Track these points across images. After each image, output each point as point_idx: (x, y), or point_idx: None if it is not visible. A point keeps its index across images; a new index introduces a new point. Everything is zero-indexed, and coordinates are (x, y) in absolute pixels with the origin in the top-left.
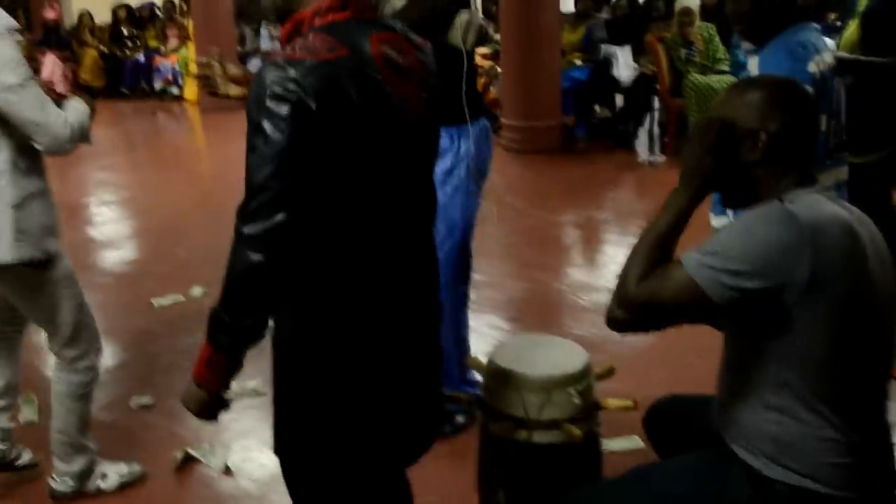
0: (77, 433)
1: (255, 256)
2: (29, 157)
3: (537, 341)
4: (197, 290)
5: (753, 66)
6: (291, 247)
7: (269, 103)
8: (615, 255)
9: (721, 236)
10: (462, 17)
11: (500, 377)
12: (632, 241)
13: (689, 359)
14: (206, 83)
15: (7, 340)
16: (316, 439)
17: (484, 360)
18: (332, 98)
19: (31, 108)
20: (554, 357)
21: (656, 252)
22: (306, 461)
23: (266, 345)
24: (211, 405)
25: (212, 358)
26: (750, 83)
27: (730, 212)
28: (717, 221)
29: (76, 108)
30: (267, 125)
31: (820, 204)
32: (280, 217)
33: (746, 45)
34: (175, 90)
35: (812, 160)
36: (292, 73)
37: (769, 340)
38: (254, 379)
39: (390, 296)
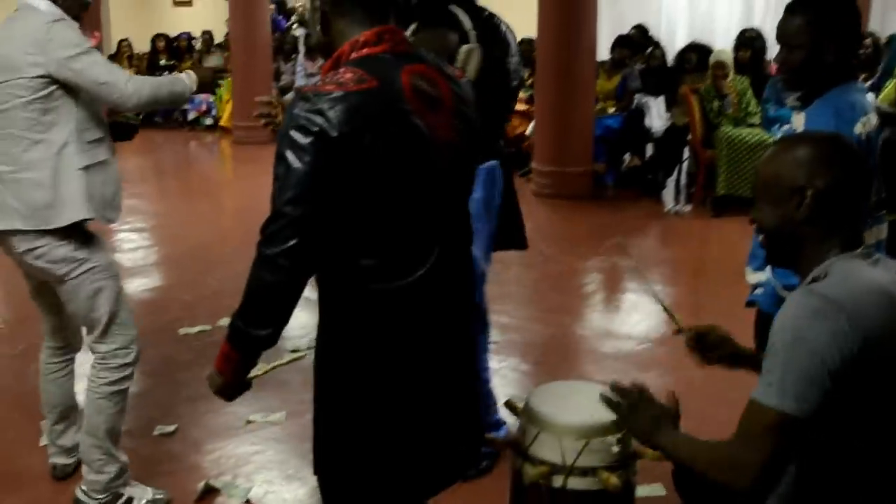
0: (105, 437)
1: (270, 277)
2: (94, 130)
3: (577, 387)
4: (224, 321)
5: (799, 122)
6: (308, 268)
7: (293, 133)
8: (638, 302)
9: (775, 355)
10: (463, 49)
11: (537, 421)
12: (656, 289)
13: (712, 409)
14: (269, 121)
15: (67, 354)
16: (353, 461)
17: (519, 402)
18: (357, 128)
19: (95, 70)
20: (593, 403)
21: (709, 449)
22: (344, 482)
23: (290, 377)
24: (228, 389)
25: (229, 354)
26: (798, 138)
27: (768, 269)
28: (753, 277)
29: (159, 79)
30: (289, 154)
31: (857, 273)
32: (294, 242)
33: (791, 101)
34: (208, 121)
35: (861, 220)
36: (318, 104)
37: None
38: (278, 412)
39: (423, 320)
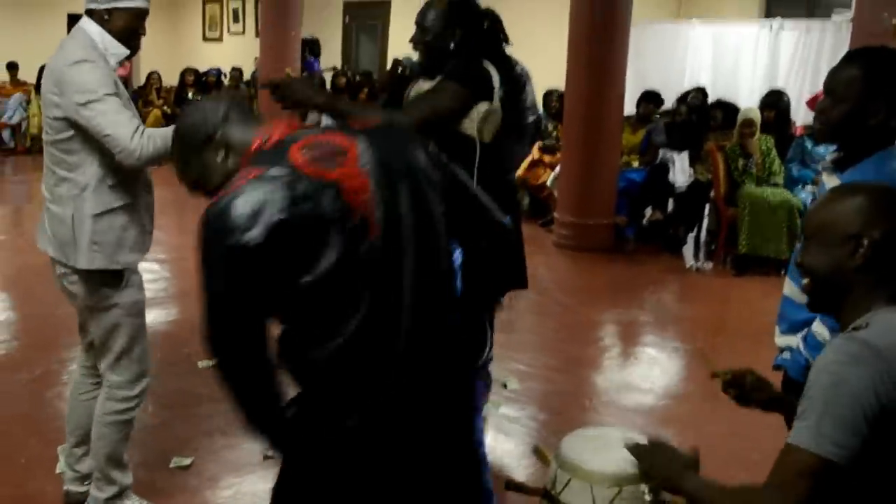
0: (106, 462)
1: (225, 382)
2: (118, 173)
3: (609, 433)
4: None
5: (833, 185)
6: (258, 369)
7: (203, 253)
8: (657, 356)
9: (812, 399)
10: (480, 108)
11: (569, 467)
12: (673, 344)
13: (733, 470)
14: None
15: (98, 378)
16: None
17: (549, 452)
18: (259, 215)
19: (100, 120)
20: (625, 451)
21: (739, 493)
22: None
23: None
24: None
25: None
26: (854, 187)
27: (798, 334)
28: (781, 339)
29: (165, 132)
30: (204, 275)
31: None
32: (228, 354)
33: (825, 163)
34: None
35: None
36: (214, 212)
37: None
38: None
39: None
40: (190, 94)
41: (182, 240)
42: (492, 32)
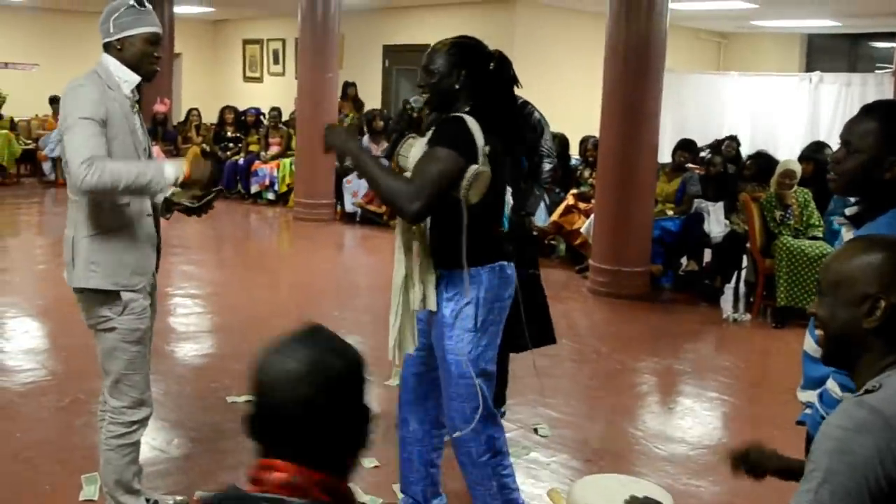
0: (114, 486)
1: None
2: (103, 198)
3: (621, 480)
4: None
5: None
6: None
7: None
8: (692, 406)
9: (815, 464)
10: (470, 170)
11: None
12: (710, 395)
13: None
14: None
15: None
16: None
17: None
18: None
19: (67, 144)
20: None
21: None
22: None
23: None
24: None
25: None
26: (873, 242)
27: (815, 392)
28: (802, 395)
29: (127, 169)
30: None
31: None
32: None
33: (840, 219)
34: (270, 195)
35: None
36: None
37: None
38: None
39: None
40: (229, 132)
41: (219, 275)
42: (498, 74)
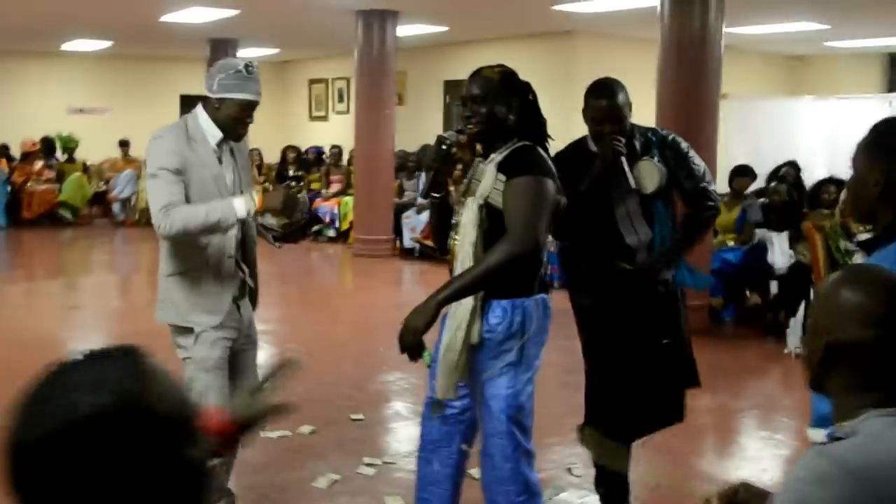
0: None
1: None
2: (182, 242)
3: None
4: (305, 428)
5: None
6: None
7: None
8: (747, 447)
9: None
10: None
11: None
12: (769, 435)
13: None
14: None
15: None
16: None
17: None
18: None
19: (150, 193)
20: None
21: None
22: None
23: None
24: None
25: None
26: (847, 279)
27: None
28: (810, 432)
29: (195, 212)
30: None
31: (890, 437)
32: None
33: (850, 245)
34: (331, 233)
35: None
36: None
37: None
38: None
39: None
40: (290, 171)
41: (275, 313)
42: (536, 104)
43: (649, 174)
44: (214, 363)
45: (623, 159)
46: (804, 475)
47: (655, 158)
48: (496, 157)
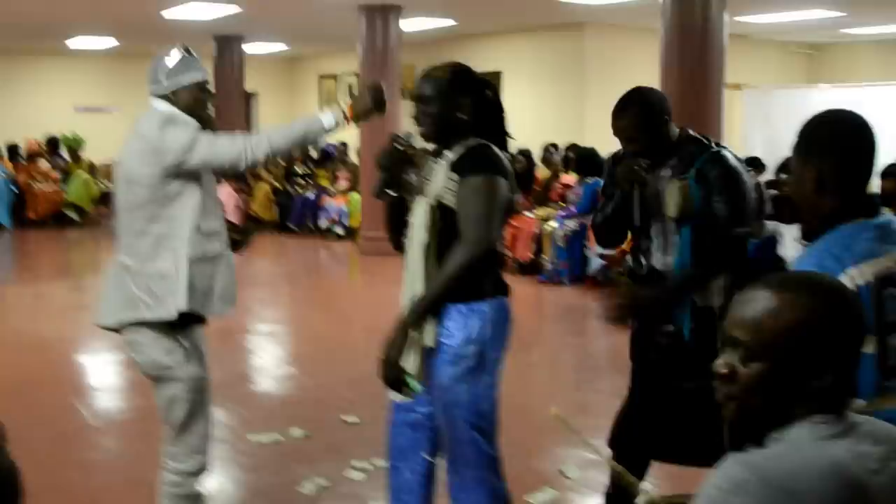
0: None
1: None
2: (210, 223)
3: None
4: (297, 432)
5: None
6: None
7: None
8: None
9: None
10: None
11: None
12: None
13: None
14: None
15: None
16: None
17: None
18: None
19: (208, 154)
20: None
21: None
22: None
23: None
24: None
25: None
26: (779, 281)
27: None
28: None
29: (278, 128)
30: None
31: (810, 447)
32: None
33: (797, 238)
34: (339, 230)
35: (845, 391)
36: None
37: None
38: None
39: None
40: (299, 169)
41: (279, 313)
42: (494, 103)
43: (672, 197)
44: (205, 382)
45: (636, 188)
46: (718, 482)
47: (691, 180)
48: (450, 155)
